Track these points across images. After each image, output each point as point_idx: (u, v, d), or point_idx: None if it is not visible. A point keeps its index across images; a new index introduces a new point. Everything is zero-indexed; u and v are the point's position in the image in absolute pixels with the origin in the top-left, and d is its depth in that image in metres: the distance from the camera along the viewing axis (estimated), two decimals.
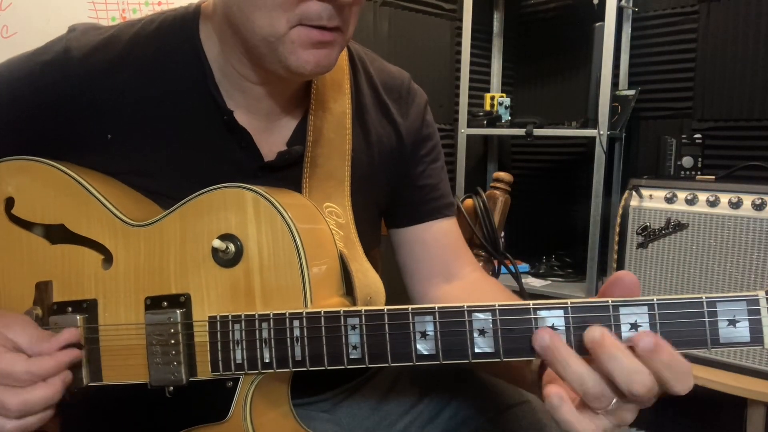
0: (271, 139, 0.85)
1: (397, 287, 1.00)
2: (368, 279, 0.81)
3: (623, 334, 0.57)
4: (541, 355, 0.58)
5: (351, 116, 0.89)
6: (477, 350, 0.60)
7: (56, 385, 0.69)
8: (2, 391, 0.67)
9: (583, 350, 0.57)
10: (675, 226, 1.93)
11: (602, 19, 2.25)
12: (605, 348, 0.55)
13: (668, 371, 0.54)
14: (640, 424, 2.39)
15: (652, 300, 0.56)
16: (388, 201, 0.96)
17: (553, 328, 0.58)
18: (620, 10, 2.45)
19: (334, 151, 0.87)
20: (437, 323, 0.60)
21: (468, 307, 0.59)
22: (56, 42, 0.82)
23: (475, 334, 0.59)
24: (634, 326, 0.56)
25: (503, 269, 1.28)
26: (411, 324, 0.61)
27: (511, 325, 0.59)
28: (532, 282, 2.57)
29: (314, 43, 0.72)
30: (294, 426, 0.75)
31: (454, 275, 0.96)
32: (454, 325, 0.60)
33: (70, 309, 0.76)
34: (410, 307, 0.61)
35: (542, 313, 0.58)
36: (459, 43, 2.70)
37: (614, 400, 0.56)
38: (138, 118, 0.80)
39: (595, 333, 0.56)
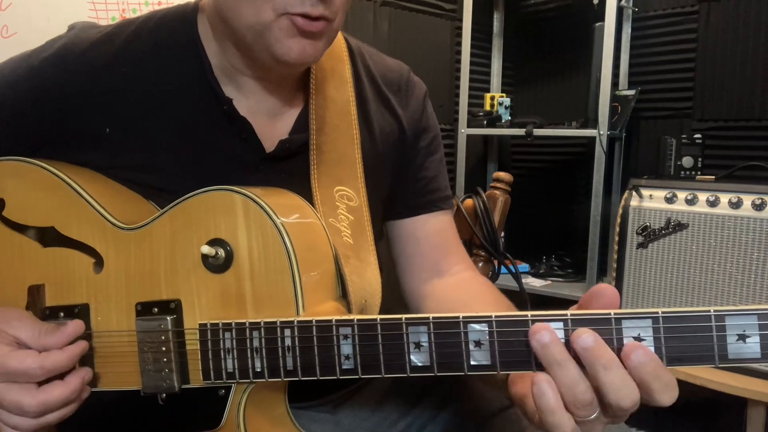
0: (273, 131, 0.84)
1: (398, 283, 0.99)
2: (364, 281, 0.80)
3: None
4: (537, 353, 0.56)
5: (355, 104, 0.89)
6: (473, 362, 0.58)
7: (74, 384, 0.68)
8: (18, 391, 0.66)
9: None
10: (675, 226, 1.92)
11: (602, 19, 2.25)
12: (601, 358, 0.54)
13: (657, 383, 0.53)
14: (640, 424, 2.38)
15: (657, 312, 0.54)
16: (389, 192, 0.96)
17: None
18: (620, 10, 2.45)
19: (340, 137, 0.86)
20: (431, 334, 0.59)
21: (464, 317, 0.58)
22: (56, 40, 0.82)
23: (471, 346, 0.57)
24: (638, 340, 0.54)
25: (503, 269, 1.27)
26: (405, 335, 0.60)
27: (508, 337, 0.57)
28: (532, 282, 2.57)
29: (300, 32, 0.71)
30: (291, 431, 0.74)
31: (445, 272, 0.95)
32: (449, 336, 0.58)
33: (62, 314, 0.76)
34: (404, 317, 0.60)
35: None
36: (459, 43, 2.70)
37: (597, 411, 0.56)
38: (136, 113, 0.80)
39: (588, 340, 0.54)
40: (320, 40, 0.74)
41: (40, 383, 0.67)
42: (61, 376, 0.68)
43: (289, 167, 0.84)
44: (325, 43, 0.76)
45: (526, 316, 0.56)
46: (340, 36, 0.92)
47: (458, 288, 0.92)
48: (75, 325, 0.71)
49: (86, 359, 0.74)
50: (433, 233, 0.97)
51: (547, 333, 0.56)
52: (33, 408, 0.65)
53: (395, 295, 0.98)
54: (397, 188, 0.95)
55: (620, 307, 0.56)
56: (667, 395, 0.54)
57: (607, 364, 0.54)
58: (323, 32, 0.73)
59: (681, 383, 1.73)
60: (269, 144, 0.83)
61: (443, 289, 0.93)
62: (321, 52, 0.76)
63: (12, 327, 0.69)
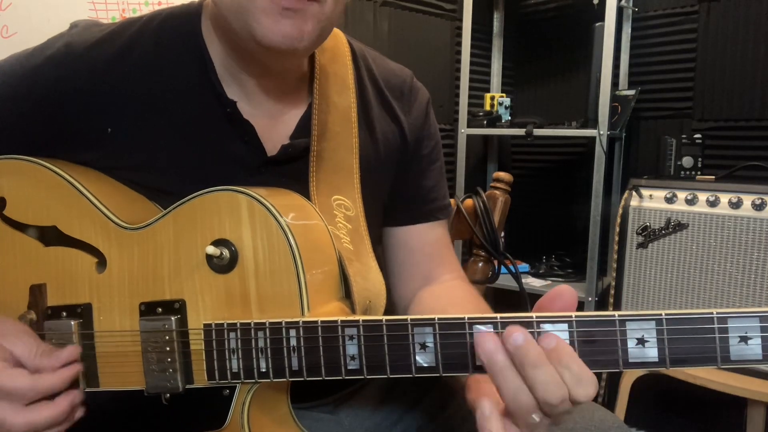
0: (274, 134, 0.84)
1: None
2: (368, 282, 0.80)
3: (629, 350, 0.55)
4: (482, 361, 0.57)
5: (356, 111, 0.89)
6: (479, 363, 0.58)
7: (62, 406, 0.67)
8: (5, 409, 0.65)
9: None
10: (675, 226, 1.92)
11: (602, 19, 2.24)
12: (529, 355, 0.55)
13: (567, 372, 0.55)
14: (640, 424, 2.39)
15: (661, 314, 0.54)
16: (388, 198, 0.96)
17: None
18: (620, 10, 2.44)
19: (340, 145, 0.86)
20: (437, 335, 0.59)
21: (469, 318, 0.58)
22: (58, 38, 0.81)
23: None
24: (641, 341, 0.55)
25: (503, 269, 1.27)
26: (410, 335, 0.60)
27: None
28: (532, 282, 2.56)
29: (281, 10, 0.68)
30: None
31: (433, 280, 0.96)
32: (454, 336, 0.59)
33: (64, 314, 0.76)
34: (409, 318, 0.60)
35: (546, 326, 0.56)
36: (459, 43, 2.69)
37: (536, 415, 0.57)
38: (139, 112, 0.80)
39: (518, 338, 0.56)
40: (306, 21, 0.70)
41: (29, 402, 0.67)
42: (50, 396, 0.68)
43: (290, 170, 0.84)
44: (315, 27, 0.72)
45: (531, 317, 0.57)
46: (343, 39, 0.92)
47: (439, 296, 0.93)
48: (71, 350, 0.71)
49: (89, 359, 0.74)
50: (427, 243, 0.97)
51: (491, 342, 0.57)
52: (19, 427, 0.65)
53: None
54: (397, 195, 0.96)
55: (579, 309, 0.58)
56: (580, 389, 0.55)
57: (535, 361, 0.55)
58: (307, 10, 0.70)
59: (681, 383, 1.72)
60: (270, 146, 0.82)
61: (426, 296, 0.93)
62: (310, 37, 0.72)
63: (10, 343, 0.69)
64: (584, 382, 0.55)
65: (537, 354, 0.55)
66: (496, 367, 0.57)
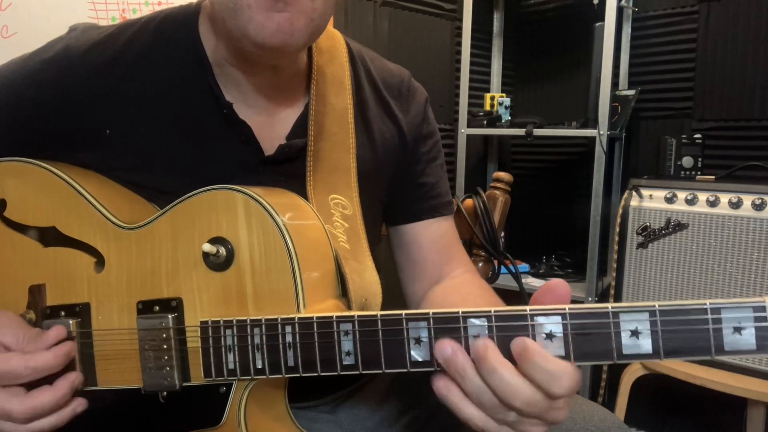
0: (272, 134, 0.85)
1: (398, 286, 1.01)
2: (364, 280, 0.81)
3: (623, 342, 0.55)
4: (443, 367, 0.59)
5: (353, 111, 0.89)
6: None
7: (63, 388, 0.68)
8: (5, 396, 0.66)
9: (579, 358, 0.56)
10: (675, 226, 1.92)
11: (602, 19, 2.24)
12: (487, 361, 0.56)
13: (540, 371, 0.55)
14: (641, 424, 2.39)
15: (654, 306, 0.54)
16: (389, 197, 0.96)
17: (550, 334, 0.57)
18: (620, 10, 2.44)
19: (337, 145, 0.87)
20: (431, 329, 0.59)
21: (463, 312, 0.58)
22: (57, 41, 0.82)
23: (471, 341, 0.58)
24: (635, 333, 0.55)
25: (503, 269, 1.28)
26: (405, 330, 0.60)
27: (507, 332, 0.57)
28: (532, 282, 2.56)
29: (270, 4, 0.68)
30: (291, 430, 0.74)
31: (445, 276, 0.97)
32: (449, 331, 0.59)
33: (63, 313, 0.76)
34: (404, 312, 0.60)
35: (539, 319, 0.56)
36: (459, 43, 2.69)
37: (513, 413, 0.57)
38: (136, 113, 0.80)
39: (478, 345, 0.57)
40: (298, 16, 0.70)
41: (30, 389, 0.68)
42: (50, 381, 0.69)
43: (288, 170, 0.84)
44: (306, 23, 0.71)
45: (525, 310, 0.57)
46: (341, 40, 0.93)
47: (450, 292, 0.93)
48: (57, 330, 0.72)
49: (87, 358, 0.75)
50: (436, 238, 0.98)
51: (448, 347, 0.58)
52: (21, 414, 0.65)
53: (394, 297, 0.99)
54: (399, 194, 0.96)
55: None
56: (555, 384, 0.55)
57: (494, 366, 0.56)
58: (299, 7, 0.70)
59: (681, 383, 1.72)
60: (268, 146, 0.83)
61: (437, 293, 0.94)
62: (302, 33, 0.72)
63: None
64: (558, 377, 0.55)
65: (491, 363, 0.56)
66: (454, 372, 0.58)
